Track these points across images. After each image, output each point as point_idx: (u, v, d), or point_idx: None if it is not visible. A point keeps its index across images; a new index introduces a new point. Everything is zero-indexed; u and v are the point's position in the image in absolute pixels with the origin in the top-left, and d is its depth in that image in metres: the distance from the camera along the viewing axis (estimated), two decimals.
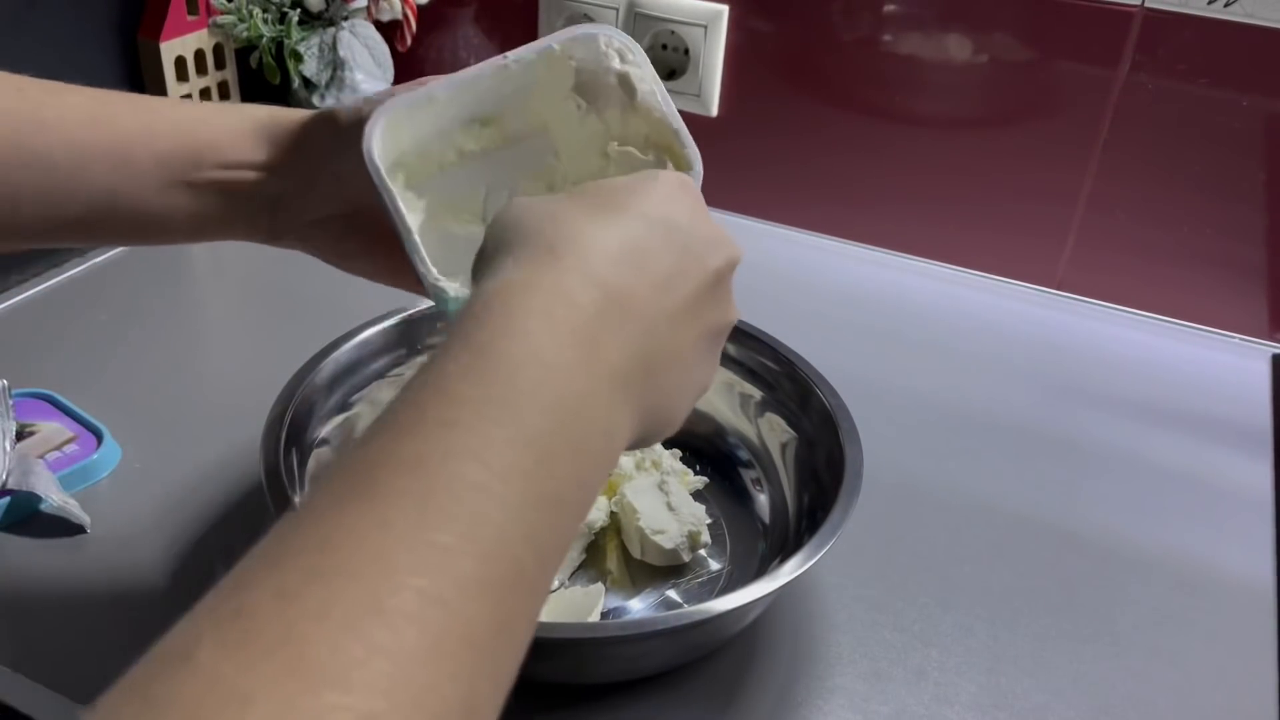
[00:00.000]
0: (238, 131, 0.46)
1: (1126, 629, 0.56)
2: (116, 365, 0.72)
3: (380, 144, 0.44)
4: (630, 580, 0.56)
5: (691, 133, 0.47)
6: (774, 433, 0.61)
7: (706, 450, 0.64)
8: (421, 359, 0.64)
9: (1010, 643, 0.55)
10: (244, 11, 0.91)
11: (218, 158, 0.46)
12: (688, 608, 0.46)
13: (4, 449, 0.58)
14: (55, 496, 0.57)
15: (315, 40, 0.92)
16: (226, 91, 0.96)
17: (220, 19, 0.91)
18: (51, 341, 0.74)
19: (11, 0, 0.79)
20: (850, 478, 0.52)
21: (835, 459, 0.54)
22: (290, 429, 0.54)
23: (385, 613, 0.24)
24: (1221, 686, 0.53)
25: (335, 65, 0.93)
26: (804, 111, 0.91)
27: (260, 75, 0.94)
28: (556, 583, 0.56)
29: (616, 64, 0.46)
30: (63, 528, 0.57)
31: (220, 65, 0.95)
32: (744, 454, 0.63)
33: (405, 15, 0.95)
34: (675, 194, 0.38)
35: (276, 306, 0.81)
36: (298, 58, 0.92)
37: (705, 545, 0.57)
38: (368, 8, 0.93)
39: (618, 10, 0.91)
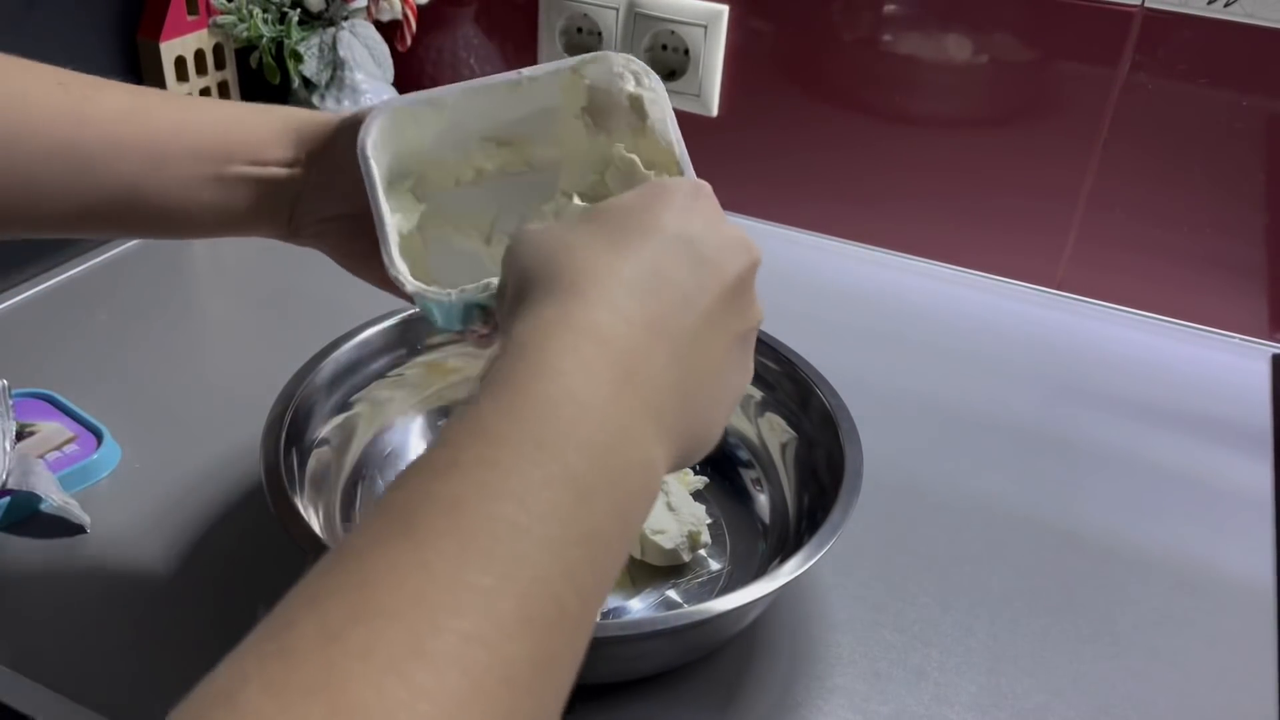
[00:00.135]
0: (268, 130, 0.48)
1: (1126, 629, 0.56)
2: (116, 365, 0.72)
3: (375, 136, 0.45)
4: (630, 580, 0.56)
5: (692, 132, 0.47)
6: (774, 433, 0.61)
7: None
8: (422, 359, 0.64)
9: (1010, 643, 0.55)
10: (244, 11, 0.91)
11: (248, 155, 0.47)
12: (688, 608, 0.46)
13: (4, 449, 0.58)
14: (55, 496, 0.57)
15: (315, 40, 0.92)
16: (226, 91, 0.96)
17: (220, 19, 0.91)
18: (51, 341, 0.74)
19: (11, 1, 0.79)
20: (850, 478, 0.52)
21: (835, 459, 0.54)
22: (290, 429, 0.54)
23: (427, 655, 0.24)
24: (1221, 686, 0.53)
25: (335, 65, 0.93)
26: (804, 111, 0.91)
27: (260, 75, 0.94)
28: None
29: (630, 86, 0.47)
30: (63, 528, 0.57)
31: (220, 65, 0.95)
32: (744, 454, 0.63)
33: (405, 15, 0.95)
34: (688, 205, 0.37)
35: (276, 306, 0.81)
36: (298, 58, 0.92)
37: (705, 545, 0.57)
38: (368, 8, 0.93)
39: (618, 10, 0.91)
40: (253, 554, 0.57)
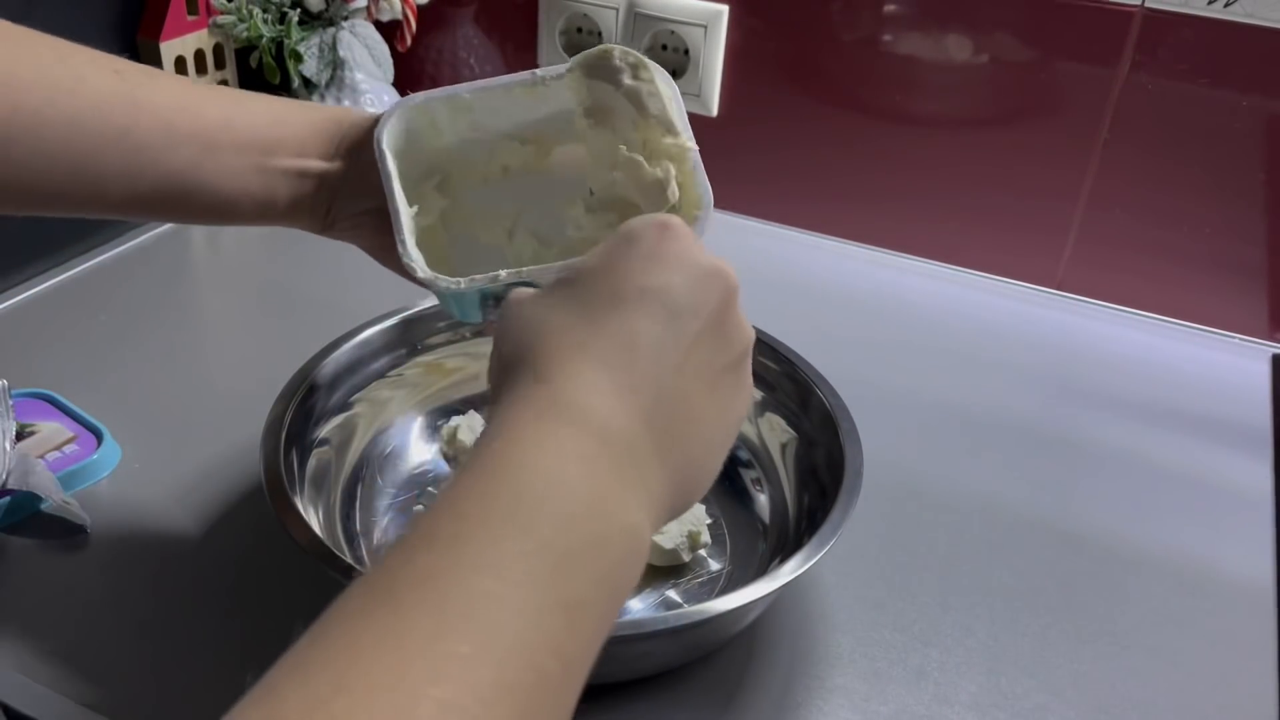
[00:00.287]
0: (311, 126, 0.50)
1: (1126, 629, 0.56)
2: (116, 365, 0.72)
3: (391, 127, 0.47)
4: None
5: (693, 132, 0.47)
6: (774, 433, 0.61)
7: None
8: (422, 359, 0.64)
9: (1010, 643, 0.55)
10: (244, 11, 0.91)
11: (292, 149, 0.49)
12: (688, 608, 0.46)
13: (4, 449, 0.57)
14: (55, 496, 0.57)
15: (315, 40, 0.92)
16: None
17: (220, 19, 0.91)
18: (51, 341, 0.74)
19: (11, 1, 0.79)
20: (850, 478, 0.52)
21: (835, 459, 0.54)
22: (290, 429, 0.54)
23: None
24: (1221, 686, 0.53)
25: (335, 65, 0.93)
26: (804, 111, 0.91)
27: (260, 75, 0.94)
28: None
29: (627, 79, 0.47)
30: (63, 528, 0.57)
31: (220, 65, 0.95)
32: (744, 454, 0.63)
33: (405, 15, 0.95)
34: (654, 251, 0.37)
35: (276, 306, 0.81)
36: (298, 58, 0.92)
37: (705, 545, 0.57)
38: (368, 8, 0.93)
39: (618, 10, 0.91)
40: (253, 554, 0.57)
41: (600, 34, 0.93)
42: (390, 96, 0.95)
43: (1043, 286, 0.89)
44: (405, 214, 0.47)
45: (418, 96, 0.48)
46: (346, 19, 0.94)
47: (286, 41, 0.92)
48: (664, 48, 0.92)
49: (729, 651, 0.53)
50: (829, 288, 0.87)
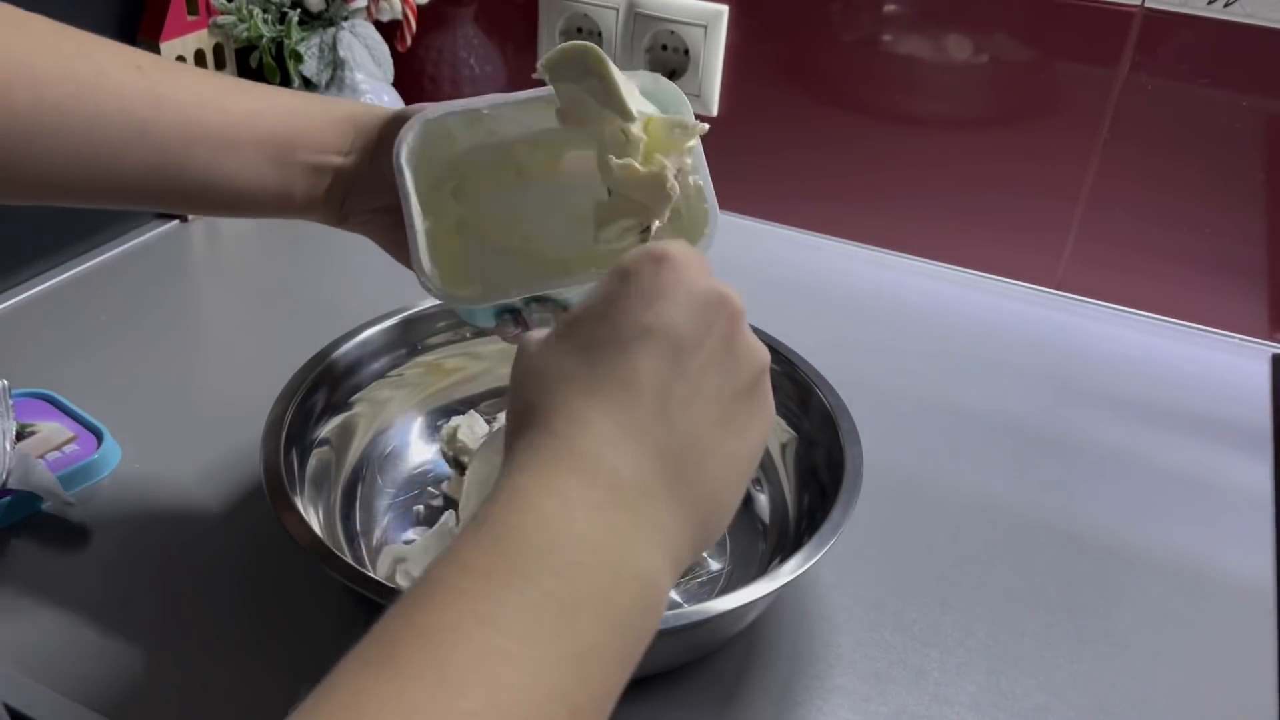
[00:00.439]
0: (328, 122, 0.50)
1: (1126, 629, 0.56)
2: (116, 365, 0.72)
3: (411, 145, 0.47)
4: None
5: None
6: (774, 433, 0.61)
7: None
8: (422, 359, 0.64)
9: (1010, 643, 0.55)
10: (244, 11, 0.91)
11: (311, 145, 0.50)
12: (688, 608, 0.46)
13: (4, 449, 0.58)
14: (55, 496, 0.57)
15: (315, 40, 0.92)
16: None
17: (220, 19, 0.91)
18: (51, 341, 0.74)
19: (11, 1, 0.79)
20: (850, 478, 0.52)
21: (835, 459, 0.54)
22: (290, 429, 0.54)
23: None
24: (1221, 686, 0.53)
25: (335, 65, 0.93)
26: (804, 111, 0.91)
27: (260, 75, 0.94)
28: None
29: (583, 74, 0.46)
30: (63, 528, 0.57)
31: (220, 65, 0.95)
32: None
33: (405, 15, 0.95)
34: (652, 286, 0.36)
35: (276, 306, 0.81)
36: (298, 58, 0.92)
37: None
38: (368, 8, 0.93)
39: (618, 10, 0.91)
40: (253, 554, 0.57)
41: (600, 34, 0.93)
42: (390, 97, 0.95)
43: (1043, 286, 0.89)
44: (421, 231, 0.48)
45: (436, 109, 0.48)
46: (346, 19, 0.94)
47: (286, 42, 0.92)
48: (664, 48, 0.92)
49: (729, 651, 0.53)
50: (829, 288, 0.87)
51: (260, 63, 0.93)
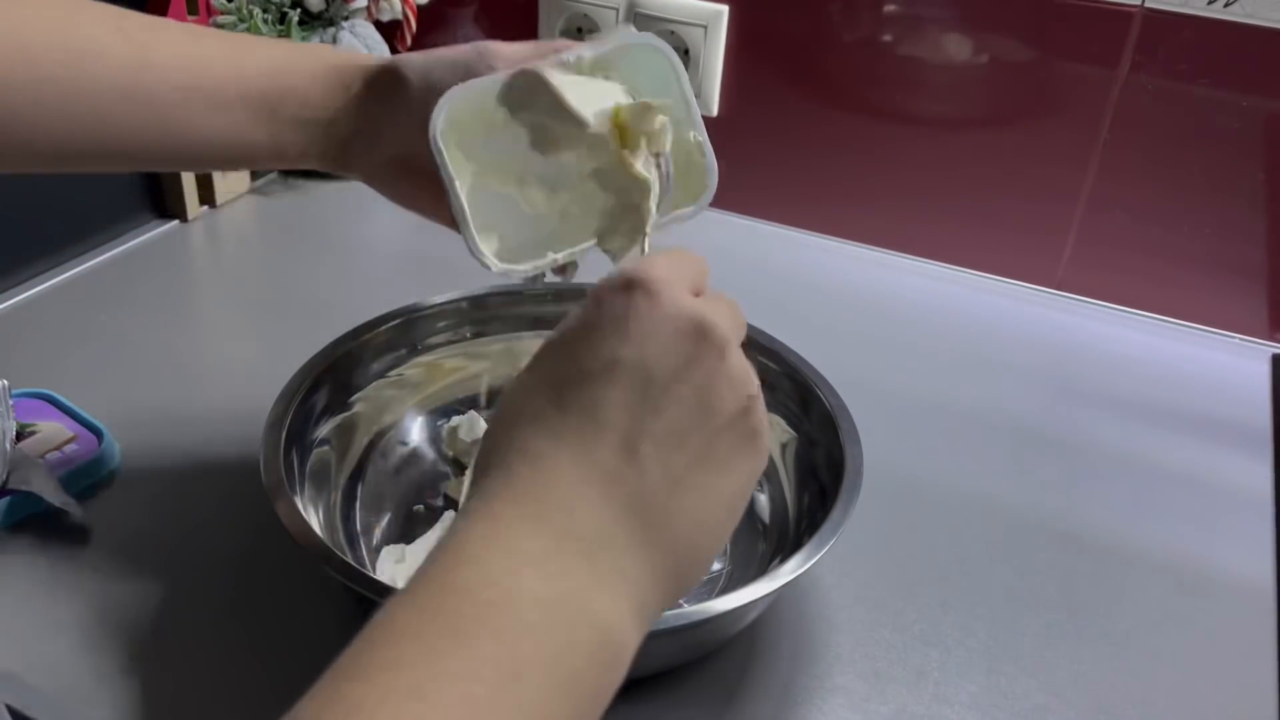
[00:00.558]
0: (315, 75, 0.50)
1: (1126, 629, 0.56)
2: (116, 365, 0.72)
3: (442, 126, 0.46)
4: None
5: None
6: (774, 433, 0.61)
7: None
8: (422, 359, 0.64)
9: (1010, 643, 0.55)
10: (244, 11, 0.91)
11: (297, 99, 0.50)
12: (688, 608, 0.46)
13: (4, 449, 0.58)
14: (55, 496, 0.57)
15: (315, 40, 0.92)
16: None
17: (220, 19, 0.91)
18: (51, 341, 0.74)
19: None
20: (850, 478, 0.52)
21: (835, 459, 0.54)
22: (290, 429, 0.54)
23: None
24: (1221, 686, 0.53)
25: None
26: (804, 111, 0.91)
27: None
28: None
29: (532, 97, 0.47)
30: (63, 528, 0.57)
31: None
32: None
33: (405, 15, 0.95)
34: (620, 316, 0.34)
35: (276, 306, 0.81)
36: None
37: None
38: (368, 8, 0.93)
39: (618, 10, 0.91)
40: (253, 554, 0.57)
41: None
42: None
43: (1043, 286, 0.89)
44: (469, 214, 0.47)
45: (460, 91, 0.47)
46: (347, 19, 0.94)
47: None
48: None
49: (729, 651, 0.53)
50: (829, 288, 0.87)
51: None
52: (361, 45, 0.94)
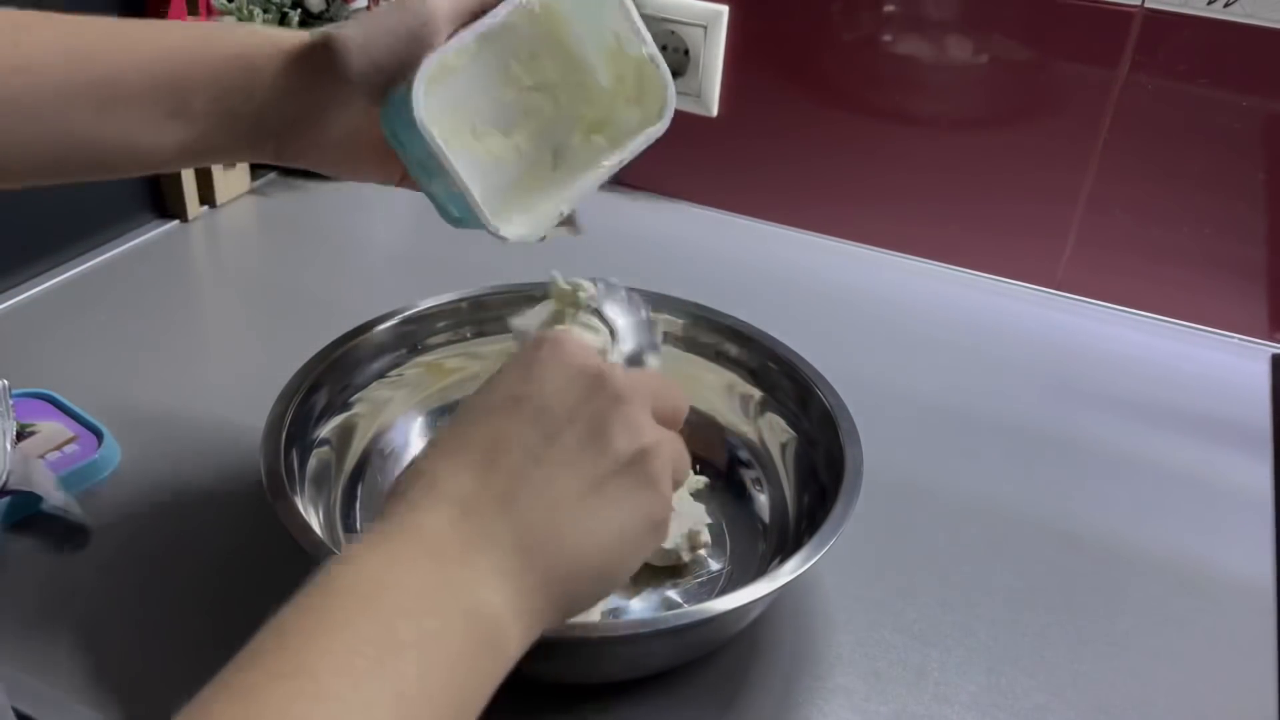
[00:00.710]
0: (227, 61, 0.45)
1: (1126, 629, 0.56)
2: (116, 365, 0.72)
3: (429, 109, 0.44)
4: (630, 580, 0.56)
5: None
6: (774, 433, 0.61)
7: (706, 450, 0.64)
8: (422, 358, 0.64)
9: (1010, 643, 0.55)
10: (244, 11, 0.91)
11: (210, 89, 0.45)
12: (688, 608, 0.46)
13: (4, 449, 0.57)
14: (55, 496, 0.57)
15: None
16: None
17: (221, 19, 0.91)
18: (51, 341, 0.74)
19: (11, 1, 0.79)
20: (850, 478, 0.52)
21: (835, 459, 0.54)
22: (290, 429, 0.54)
23: None
24: (1221, 686, 0.53)
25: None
26: (804, 111, 0.91)
27: None
28: None
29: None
30: (63, 528, 0.57)
31: None
32: (744, 454, 0.63)
33: None
34: (529, 361, 0.38)
35: (276, 306, 0.81)
36: None
37: (705, 545, 0.57)
38: (368, 8, 0.93)
39: None
40: (253, 554, 0.57)
41: None
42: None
43: (1042, 286, 0.89)
44: (477, 191, 0.46)
45: (433, 60, 0.45)
46: (347, 19, 0.94)
47: None
48: (664, 48, 0.92)
49: (729, 651, 0.53)
50: (829, 288, 0.87)
51: None
52: None
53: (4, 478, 0.57)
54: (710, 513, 0.59)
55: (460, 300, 0.64)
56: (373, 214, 0.92)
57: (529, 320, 0.50)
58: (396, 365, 0.63)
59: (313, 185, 0.97)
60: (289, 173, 0.97)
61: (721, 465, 0.63)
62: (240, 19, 0.91)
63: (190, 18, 0.89)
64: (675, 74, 0.92)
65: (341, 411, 0.59)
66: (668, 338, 0.65)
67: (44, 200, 0.80)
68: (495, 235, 0.47)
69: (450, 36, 0.46)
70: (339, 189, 0.96)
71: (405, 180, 0.52)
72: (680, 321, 0.64)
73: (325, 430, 0.58)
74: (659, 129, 0.50)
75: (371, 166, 0.51)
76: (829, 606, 0.56)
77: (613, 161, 0.50)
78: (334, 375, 0.59)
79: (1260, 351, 0.82)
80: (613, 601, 0.55)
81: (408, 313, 0.63)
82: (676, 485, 0.40)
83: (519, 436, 0.36)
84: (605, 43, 0.49)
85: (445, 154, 0.45)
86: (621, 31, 0.49)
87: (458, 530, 0.34)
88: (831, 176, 0.92)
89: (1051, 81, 0.82)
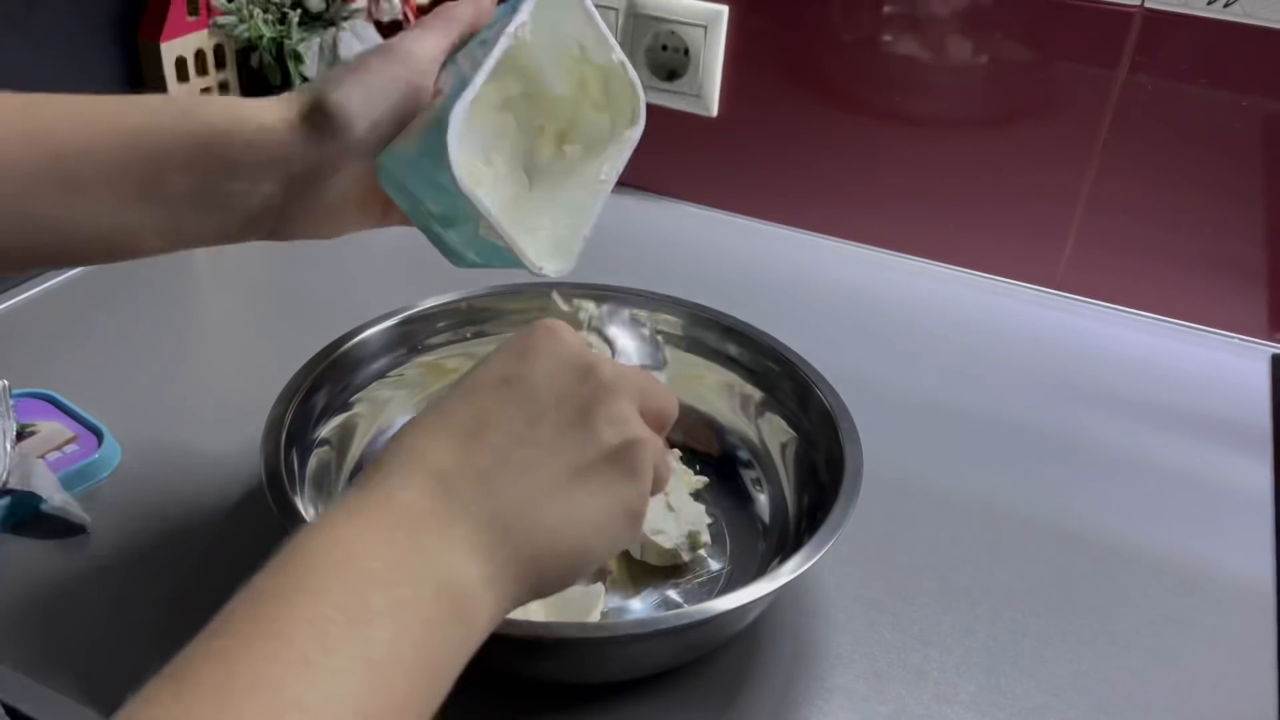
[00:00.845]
0: (198, 140, 0.42)
1: (1126, 629, 0.56)
2: (116, 365, 0.72)
3: (466, 168, 0.43)
4: (630, 580, 0.56)
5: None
6: (774, 433, 0.61)
7: (706, 450, 0.64)
8: (422, 359, 0.64)
9: (1010, 643, 0.55)
10: (244, 12, 0.91)
11: (182, 170, 0.42)
12: (688, 608, 0.46)
13: (4, 449, 0.58)
14: (55, 496, 0.57)
15: (315, 41, 0.92)
16: (227, 91, 0.96)
17: (221, 19, 0.91)
18: (51, 341, 0.74)
19: (11, 2, 0.79)
20: (850, 478, 0.52)
21: (835, 459, 0.54)
22: (290, 429, 0.54)
23: None
24: (1221, 686, 0.53)
25: (335, 66, 0.93)
26: (804, 112, 0.91)
27: (261, 75, 0.94)
28: None
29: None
30: (63, 528, 0.57)
31: (221, 66, 0.95)
32: (744, 454, 0.63)
33: (405, 15, 0.95)
34: (521, 346, 0.39)
35: (276, 306, 0.81)
36: (298, 58, 0.92)
37: (705, 545, 0.57)
38: (368, 8, 0.93)
39: (618, 10, 0.91)
40: (253, 554, 0.56)
41: None
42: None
43: (1043, 287, 0.89)
44: (522, 242, 0.45)
45: (457, 114, 0.42)
46: (347, 19, 0.94)
47: (287, 42, 0.92)
48: (664, 48, 0.92)
49: (729, 651, 0.53)
50: (829, 288, 0.87)
51: (261, 63, 0.93)
52: (362, 46, 0.94)
53: (4, 478, 0.57)
54: (710, 513, 0.59)
55: (460, 300, 0.64)
56: None
57: None
58: (397, 365, 0.63)
59: None
60: None
61: (722, 465, 0.63)
62: (240, 20, 0.91)
63: (190, 18, 0.89)
64: (675, 74, 0.92)
65: (342, 411, 0.59)
66: (668, 338, 0.65)
67: None
68: (538, 275, 0.47)
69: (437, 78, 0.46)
70: None
71: (383, 223, 0.50)
72: (680, 321, 0.64)
73: (325, 430, 0.58)
74: (635, 132, 0.50)
75: (350, 221, 0.48)
76: (829, 606, 0.56)
77: (608, 176, 0.50)
78: (334, 375, 0.59)
79: (1260, 351, 0.82)
80: (613, 601, 0.55)
81: (408, 313, 0.63)
82: (657, 488, 0.40)
83: (504, 417, 0.37)
84: (565, 50, 0.48)
85: (490, 209, 0.43)
86: (587, 41, 0.48)
87: (434, 502, 0.34)
88: (831, 177, 0.92)
89: (1051, 82, 0.82)
